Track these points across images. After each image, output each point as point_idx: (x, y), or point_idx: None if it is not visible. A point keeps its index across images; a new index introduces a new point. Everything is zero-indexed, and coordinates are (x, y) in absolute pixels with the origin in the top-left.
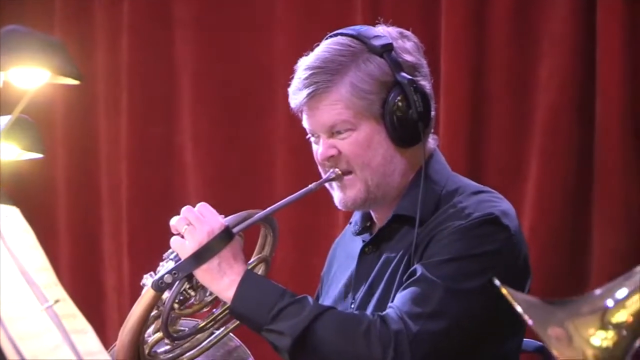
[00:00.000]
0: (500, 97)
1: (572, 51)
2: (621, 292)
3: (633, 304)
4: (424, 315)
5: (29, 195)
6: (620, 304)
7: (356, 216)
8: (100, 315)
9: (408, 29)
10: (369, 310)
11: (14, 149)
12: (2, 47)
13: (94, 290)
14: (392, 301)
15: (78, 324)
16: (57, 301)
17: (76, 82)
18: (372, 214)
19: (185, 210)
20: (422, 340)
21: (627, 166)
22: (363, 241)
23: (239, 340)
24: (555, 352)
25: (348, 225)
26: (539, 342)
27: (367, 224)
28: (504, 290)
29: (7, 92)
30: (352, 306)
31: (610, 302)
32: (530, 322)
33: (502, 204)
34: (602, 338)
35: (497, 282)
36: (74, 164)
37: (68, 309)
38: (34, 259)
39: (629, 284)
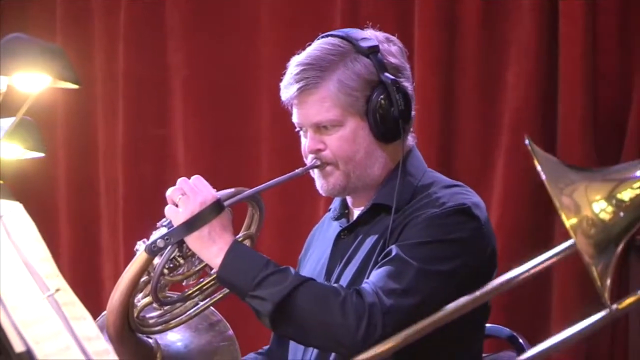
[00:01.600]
0: (469, 100)
1: (537, 57)
2: (634, 172)
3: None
4: (397, 291)
5: (32, 191)
6: (628, 183)
7: (335, 203)
8: (98, 303)
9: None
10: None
11: (18, 149)
12: (6, 53)
13: (92, 280)
14: (367, 278)
15: (77, 311)
16: (57, 290)
17: (75, 86)
18: (349, 201)
19: (180, 181)
20: (393, 313)
21: (586, 163)
22: (340, 226)
23: (220, 315)
24: (562, 215)
25: (327, 212)
26: (510, 330)
27: (345, 210)
28: (531, 145)
29: (11, 95)
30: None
31: (625, 175)
32: (546, 181)
33: (473, 197)
34: (602, 208)
35: (527, 140)
36: (74, 163)
37: (68, 297)
38: (36, 251)
39: None
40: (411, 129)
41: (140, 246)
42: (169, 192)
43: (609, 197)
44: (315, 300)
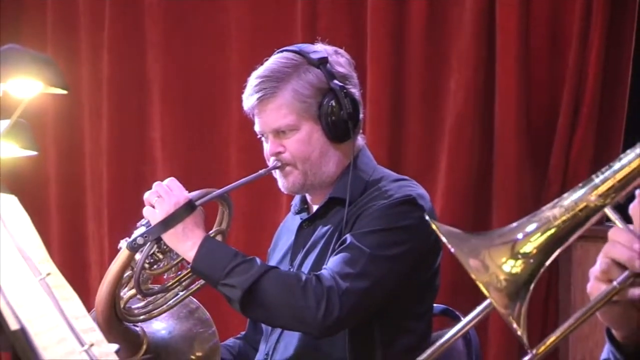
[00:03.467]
0: (416, 105)
1: (475, 66)
2: (529, 228)
3: (538, 238)
4: (351, 275)
5: (25, 186)
6: (527, 237)
7: (296, 199)
8: (85, 285)
9: (341, 47)
10: (304, 271)
11: (13, 148)
12: (2, 62)
13: (79, 265)
14: (325, 264)
15: (66, 293)
16: (48, 274)
17: (64, 92)
18: (308, 197)
19: (156, 185)
20: (349, 295)
21: (521, 163)
22: (301, 218)
23: (198, 303)
24: (473, 276)
25: (290, 211)
26: (444, 305)
27: (304, 205)
28: (432, 224)
29: (6, 100)
30: (291, 269)
31: (520, 235)
32: (452, 250)
33: (418, 189)
34: (511, 265)
35: (427, 217)
36: (63, 160)
37: (58, 280)
38: (29, 239)
39: (535, 220)
40: (360, 131)
41: (123, 243)
42: (146, 195)
43: (514, 255)
44: (279, 286)
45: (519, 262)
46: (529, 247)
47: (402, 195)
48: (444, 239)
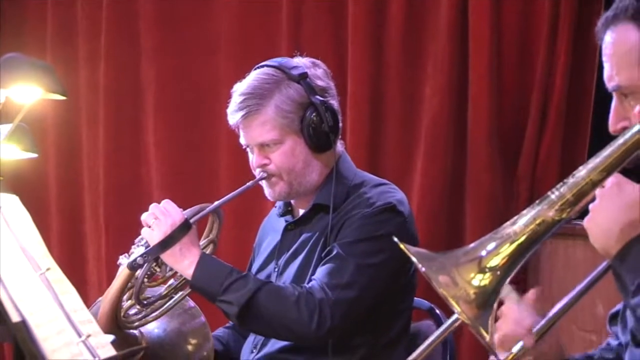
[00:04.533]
0: (394, 109)
1: (450, 73)
2: (492, 245)
3: (502, 253)
4: (340, 285)
5: (26, 186)
6: (491, 253)
7: (279, 202)
8: (83, 280)
9: (318, 58)
10: (289, 275)
11: (15, 150)
12: (4, 70)
13: (77, 260)
14: (312, 273)
15: (65, 287)
16: (48, 269)
17: (63, 98)
18: (292, 202)
19: (153, 207)
20: (339, 305)
21: (492, 164)
22: (286, 221)
23: (193, 302)
24: (443, 292)
25: (273, 208)
26: (429, 303)
27: (288, 208)
28: (402, 247)
29: (8, 105)
30: (276, 270)
31: (484, 252)
32: (423, 269)
33: (398, 194)
34: (480, 279)
35: (396, 239)
36: (62, 162)
37: (57, 275)
38: (30, 236)
39: (497, 237)
40: (339, 137)
41: (123, 260)
42: (144, 217)
43: (482, 270)
44: (273, 301)
45: (487, 275)
46: (495, 261)
47: (382, 203)
48: (414, 260)
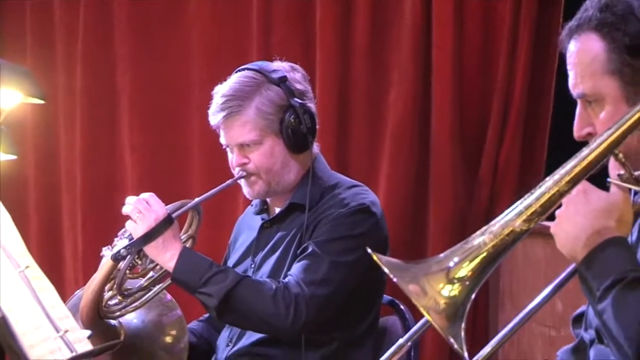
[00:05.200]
0: (360, 113)
1: (414, 80)
2: (462, 255)
3: (471, 263)
4: (315, 282)
5: (6, 187)
6: (460, 263)
7: (256, 199)
8: (60, 278)
9: (293, 60)
10: (265, 271)
11: None
12: None
13: (55, 259)
14: (287, 270)
15: (43, 284)
16: (27, 267)
17: (41, 102)
18: (268, 200)
19: (137, 200)
20: (315, 301)
21: (455, 167)
22: (262, 219)
23: (170, 296)
24: (415, 302)
25: (249, 206)
26: (390, 297)
27: (264, 206)
28: (374, 257)
29: None
30: (252, 266)
31: (451, 263)
32: (395, 279)
33: (371, 196)
34: (449, 290)
35: (369, 250)
36: (40, 164)
37: (35, 272)
38: (9, 236)
39: (466, 247)
40: (315, 139)
41: (106, 252)
42: (129, 210)
43: (450, 281)
44: (251, 294)
45: (456, 285)
46: (463, 271)
47: (357, 204)
48: (386, 270)
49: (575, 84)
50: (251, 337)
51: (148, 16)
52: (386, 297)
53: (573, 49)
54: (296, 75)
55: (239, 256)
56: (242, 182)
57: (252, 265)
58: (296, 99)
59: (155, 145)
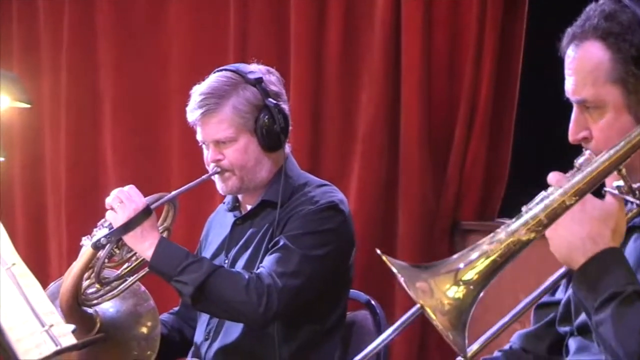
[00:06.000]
0: (332, 116)
1: (384, 84)
2: (469, 259)
3: (477, 267)
4: (287, 274)
5: None
6: (468, 266)
7: (228, 197)
8: (46, 275)
9: (268, 66)
10: (239, 266)
11: None
12: None
13: (41, 256)
14: (260, 263)
15: (29, 280)
16: (14, 264)
17: (28, 106)
18: (240, 197)
19: (117, 191)
20: (286, 292)
21: (423, 168)
22: (234, 216)
23: (143, 287)
24: (421, 302)
25: (221, 204)
26: (367, 297)
27: (236, 203)
28: (384, 258)
29: None
30: (226, 262)
31: (461, 265)
32: (402, 280)
33: (339, 195)
34: (454, 291)
35: (379, 251)
36: (27, 165)
37: (22, 269)
38: None
39: (473, 253)
40: (288, 140)
41: (85, 241)
42: (109, 200)
43: (457, 282)
44: (225, 284)
45: (462, 288)
46: (471, 274)
47: (326, 201)
48: (395, 271)
49: (575, 90)
50: (228, 331)
51: (129, 25)
52: (359, 294)
53: (575, 55)
54: (272, 78)
55: (211, 252)
56: (216, 177)
57: (226, 261)
58: (271, 100)
59: (136, 147)
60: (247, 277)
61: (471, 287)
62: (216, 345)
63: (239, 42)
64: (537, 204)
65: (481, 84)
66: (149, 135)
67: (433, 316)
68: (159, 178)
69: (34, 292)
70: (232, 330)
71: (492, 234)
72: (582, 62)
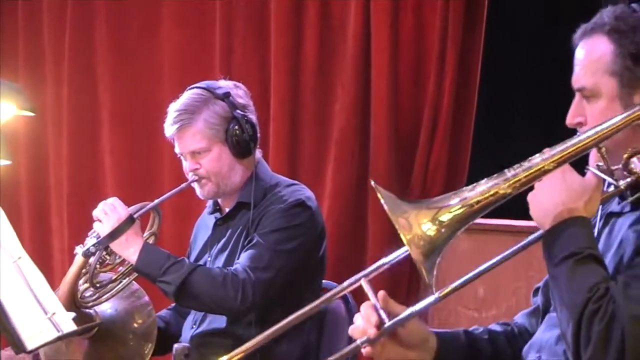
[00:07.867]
0: (309, 124)
1: (355, 95)
2: (449, 202)
3: (455, 211)
4: (260, 268)
5: (1, 189)
6: (445, 208)
7: (210, 202)
8: (49, 268)
9: (247, 81)
10: (220, 263)
11: None
12: None
13: (45, 251)
14: (238, 259)
15: (34, 272)
16: (20, 258)
17: (32, 114)
18: (219, 201)
19: (102, 204)
20: (259, 284)
21: (390, 171)
22: (215, 217)
23: (138, 285)
24: (401, 234)
25: (206, 208)
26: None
27: (217, 207)
28: (374, 186)
29: None
30: (209, 259)
31: (440, 205)
32: (386, 207)
33: (306, 192)
34: (428, 227)
35: (373, 182)
36: (32, 168)
37: (27, 262)
38: (4, 231)
39: (454, 198)
40: (257, 146)
41: (78, 250)
42: (95, 212)
43: (433, 220)
44: (205, 281)
45: (434, 227)
46: (446, 216)
47: (294, 199)
48: (382, 201)
49: (577, 79)
50: (212, 320)
51: (125, 42)
52: (333, 284)
53: (583, 47)
54: (239, 92)
55: (197, 253)
56: (195, 185)
57: (209, 259)
58: (239, 111)
59: (132, 152)
60: (223, 273)
61: (442, 230)
62: (201, 330)
63: (224, 57)
64: (520, 166)
65: (443, 93)
66: (143, 141)
67: (408, 247)
68: (152, 180)
69: (38, 283)
70: (215, 318)
71: (474, 184)
72: (588, 53)
